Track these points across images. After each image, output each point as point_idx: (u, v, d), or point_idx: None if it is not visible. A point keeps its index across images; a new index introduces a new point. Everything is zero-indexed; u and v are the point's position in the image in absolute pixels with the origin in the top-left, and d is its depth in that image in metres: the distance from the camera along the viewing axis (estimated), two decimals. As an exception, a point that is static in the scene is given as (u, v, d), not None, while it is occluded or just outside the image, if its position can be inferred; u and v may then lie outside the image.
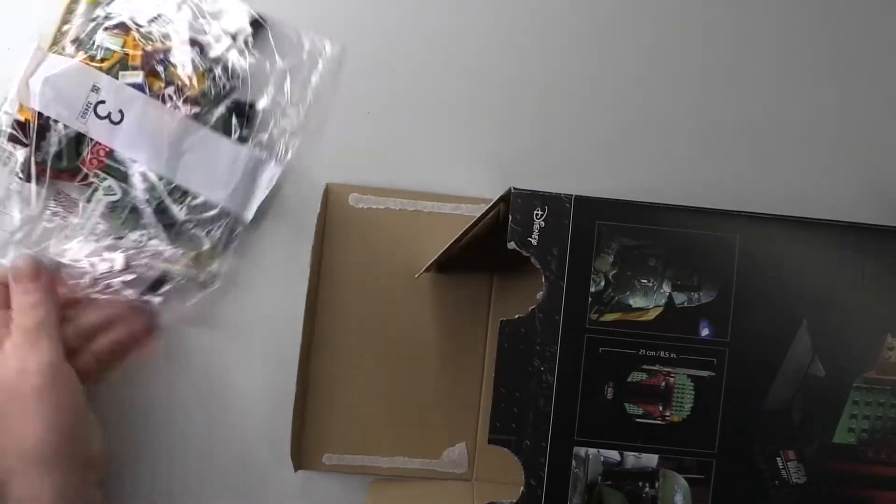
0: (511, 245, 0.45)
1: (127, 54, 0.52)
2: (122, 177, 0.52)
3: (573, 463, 0.44)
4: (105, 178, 0.52)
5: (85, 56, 0.52)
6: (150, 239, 0.52)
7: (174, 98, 0.52)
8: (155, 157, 0.52)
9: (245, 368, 0.55)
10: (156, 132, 0.52)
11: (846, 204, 0.54)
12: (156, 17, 0.53)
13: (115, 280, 0.50)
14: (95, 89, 0.52)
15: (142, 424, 0.54)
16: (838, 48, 0.56)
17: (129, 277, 0.51)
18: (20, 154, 0.51)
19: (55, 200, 0.52)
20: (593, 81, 0.55)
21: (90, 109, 0.52)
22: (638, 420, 0.44)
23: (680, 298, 0.44)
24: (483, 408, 0.55)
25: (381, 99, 0.55)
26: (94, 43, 0.52)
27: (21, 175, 0.52)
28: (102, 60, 0.52)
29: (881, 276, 0.45)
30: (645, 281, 0.44)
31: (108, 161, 0.52)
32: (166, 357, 0.54)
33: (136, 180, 0.52)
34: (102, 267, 0.50)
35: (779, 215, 0.45)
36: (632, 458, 0.44)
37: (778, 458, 0.44)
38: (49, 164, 0.52)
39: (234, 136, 0.53)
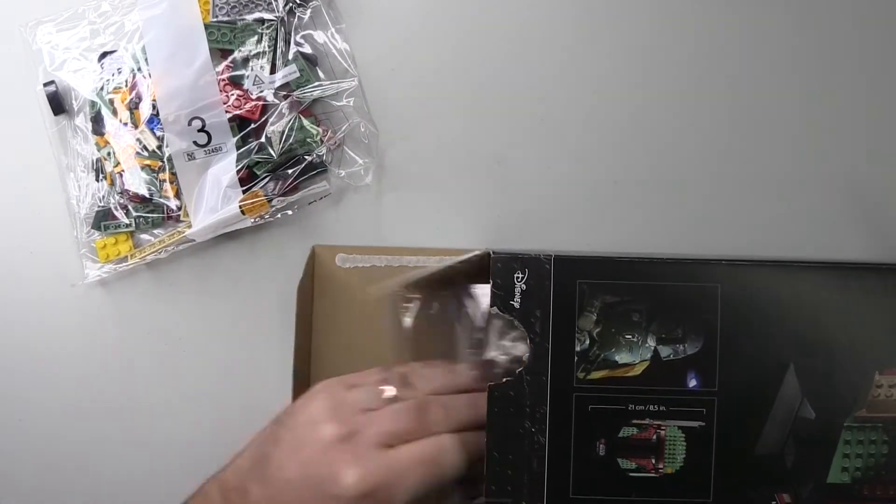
0: (493, 310, 0.45)
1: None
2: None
3: (570, 520, 0.45)
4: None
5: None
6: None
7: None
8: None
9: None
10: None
11: (833, 243, 0.53)
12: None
13: None
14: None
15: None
16: (821, 84, 0.55)
17: None
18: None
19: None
20: (582, 131, 0.55)
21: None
22: (632, 474, 0.45)
23: (665, 351, 0.45)
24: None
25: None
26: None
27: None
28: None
29: (866, 314, 0.45)
30: (629, 336, 0.45)
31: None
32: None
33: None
34: None
35: (759, 259, 0.45)
36: (628, 512, 0.45)
37: (773, 503, 0.45)
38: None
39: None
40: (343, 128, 0.55)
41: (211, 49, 0.53)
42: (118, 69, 0.54)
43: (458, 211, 0.55)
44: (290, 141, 0.53)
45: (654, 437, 0.45)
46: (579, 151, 0.55)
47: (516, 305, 0.45)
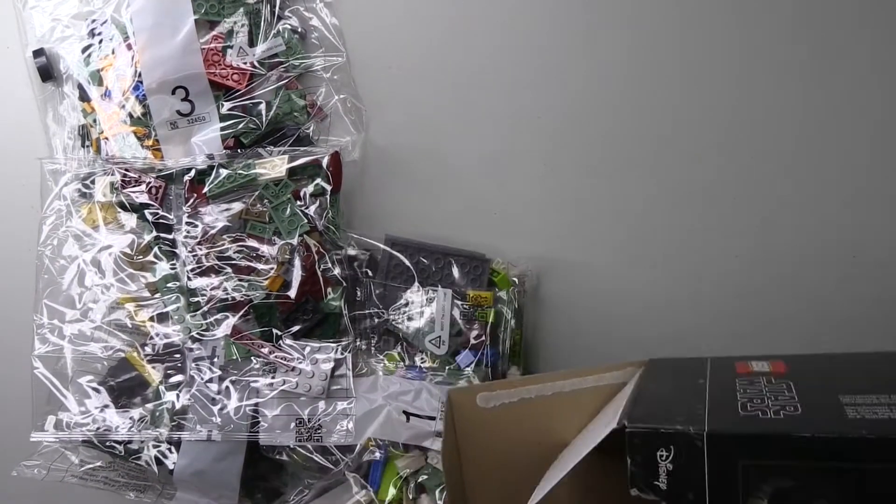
0: (634, 492, 0.37)
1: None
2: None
3: None
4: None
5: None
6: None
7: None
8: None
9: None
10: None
11: None
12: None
13: None
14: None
15: None
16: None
17: None
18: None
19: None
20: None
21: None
22: None
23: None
24: None
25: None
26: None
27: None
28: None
29: None
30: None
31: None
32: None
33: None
34: None
35: None
36: None
37: None
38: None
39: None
40: (330, 102, 0.54)
41: (198, 20, 0.52)
42: (105, 37, 0.53)
43: (453, 188, 0.54)
44: (277, 111, 0.52)
45: None
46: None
47: (662, 486, 0.37)
